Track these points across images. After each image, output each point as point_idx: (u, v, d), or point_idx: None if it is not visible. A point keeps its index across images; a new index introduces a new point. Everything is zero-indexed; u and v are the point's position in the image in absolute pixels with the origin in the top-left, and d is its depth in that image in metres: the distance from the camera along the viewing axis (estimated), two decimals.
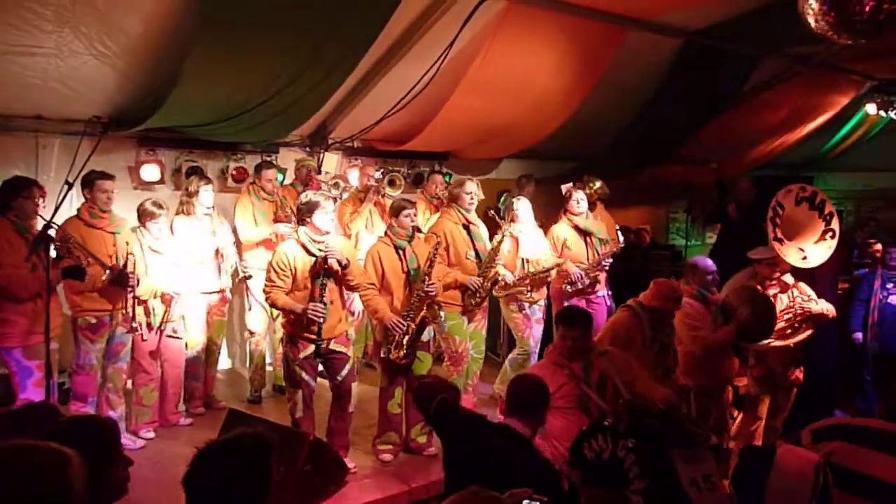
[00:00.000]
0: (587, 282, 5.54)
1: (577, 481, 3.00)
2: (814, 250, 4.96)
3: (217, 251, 5.22)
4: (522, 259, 5.39)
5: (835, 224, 5.02)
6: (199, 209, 5.13)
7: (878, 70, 7.80)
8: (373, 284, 4.43)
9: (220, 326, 5.49)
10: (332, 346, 4.27)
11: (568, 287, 5.51)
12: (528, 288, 5.34)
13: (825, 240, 5.01)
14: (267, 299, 4.22)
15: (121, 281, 4.36)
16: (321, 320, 4.05)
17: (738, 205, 6.57)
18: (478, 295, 4.99)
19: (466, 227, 5.10)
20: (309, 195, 4.31)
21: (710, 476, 2.85)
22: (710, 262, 4.61)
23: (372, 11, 4.44)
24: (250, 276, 5.51)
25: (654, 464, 2.86)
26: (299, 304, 4.08)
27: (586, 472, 2.99)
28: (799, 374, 4.98)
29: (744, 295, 4.56)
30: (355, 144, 6.64)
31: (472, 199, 5.11)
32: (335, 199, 5.18)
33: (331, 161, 6.44)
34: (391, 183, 6.27)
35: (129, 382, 4.87)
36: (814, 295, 4.89)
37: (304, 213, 4.21)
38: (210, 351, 5.41)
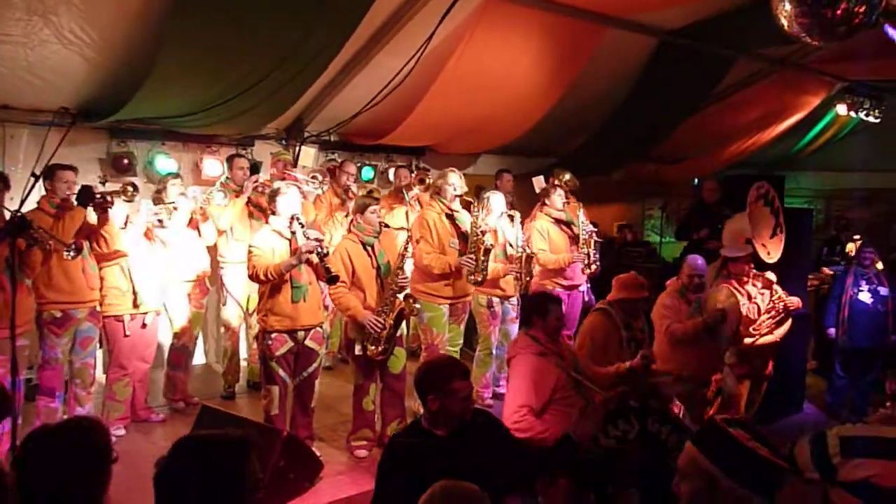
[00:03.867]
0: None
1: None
2: (771, 245, 5.11)
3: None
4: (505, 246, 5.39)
5: (781, 219, 5.17)
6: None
7: (849, 71, 7.95)
8: (343, 282, 4.39)
9: (197, 319, 5.40)
10: (308, 342, 4.36)
11: (585, 269, 5.63)
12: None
13: (777, 234, 5.18)
14: (255, 275, 4.18)
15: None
16: (325, 250, 4.17)
17: (704, 203, 6.75)
18: (476, 271, 4.93)
19: (450, 216, 5.09)
20: (274, 184, 4.49)
21: None
22: (699, 262, 4.63)
23: (350, 3, 4.40)
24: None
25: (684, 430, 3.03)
26: (293, 259, 4.14)
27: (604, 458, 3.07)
28: (770, 367, 5.12)
29: (716, 293, 4.69)
30: (332, 138, 6.59)
31: (454, 189, 5.11)
32: (305, 196, 5.19)
33: (308, 155, 6.37)
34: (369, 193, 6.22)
35: (103, 376, 4.78)
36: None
37: (270, 201, 4.40)
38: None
